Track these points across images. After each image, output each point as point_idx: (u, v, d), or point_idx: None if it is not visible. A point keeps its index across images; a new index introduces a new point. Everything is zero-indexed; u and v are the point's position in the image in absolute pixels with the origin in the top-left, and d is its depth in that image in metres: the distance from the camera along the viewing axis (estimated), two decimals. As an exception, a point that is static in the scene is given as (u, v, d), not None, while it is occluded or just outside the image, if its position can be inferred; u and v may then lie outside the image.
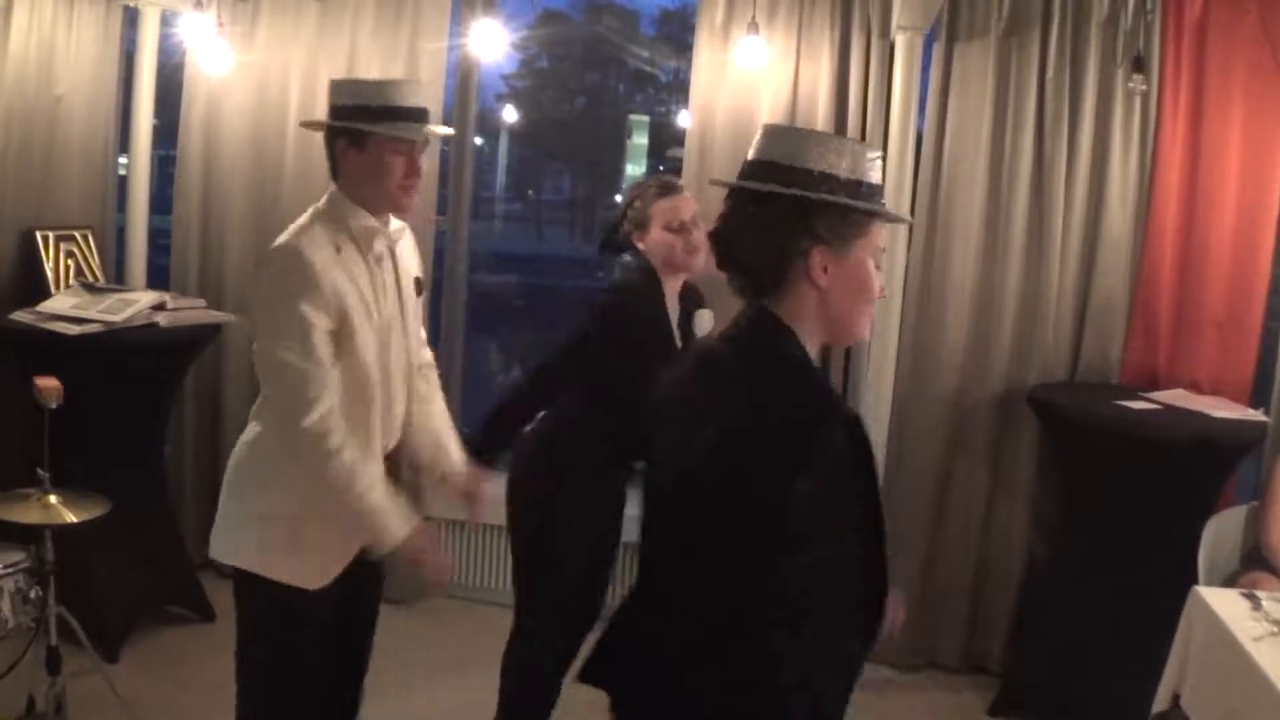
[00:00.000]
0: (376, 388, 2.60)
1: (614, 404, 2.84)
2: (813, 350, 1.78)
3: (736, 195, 1.77)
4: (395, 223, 2.71)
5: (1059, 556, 4.28)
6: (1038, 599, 4.34)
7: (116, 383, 4.05)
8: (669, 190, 3.29)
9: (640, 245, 3.25)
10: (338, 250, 2.53)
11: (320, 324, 2.45)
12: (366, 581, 2.77)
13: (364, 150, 2.56)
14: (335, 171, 2.63)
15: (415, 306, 2.79)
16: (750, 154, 1.77)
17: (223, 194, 4.78)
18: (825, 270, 1.72)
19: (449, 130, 2.69)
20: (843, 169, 1.69)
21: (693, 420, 1.77)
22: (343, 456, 2.44)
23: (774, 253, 1.73)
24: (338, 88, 2.64)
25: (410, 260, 2.79)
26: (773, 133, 1.76)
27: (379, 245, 2.62)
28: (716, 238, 1.81)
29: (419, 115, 2.60)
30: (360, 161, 2.57)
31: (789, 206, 1.69)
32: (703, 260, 3.19)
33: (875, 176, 1.74)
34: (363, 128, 2.53)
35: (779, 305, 1.75)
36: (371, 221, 2.60)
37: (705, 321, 3.32)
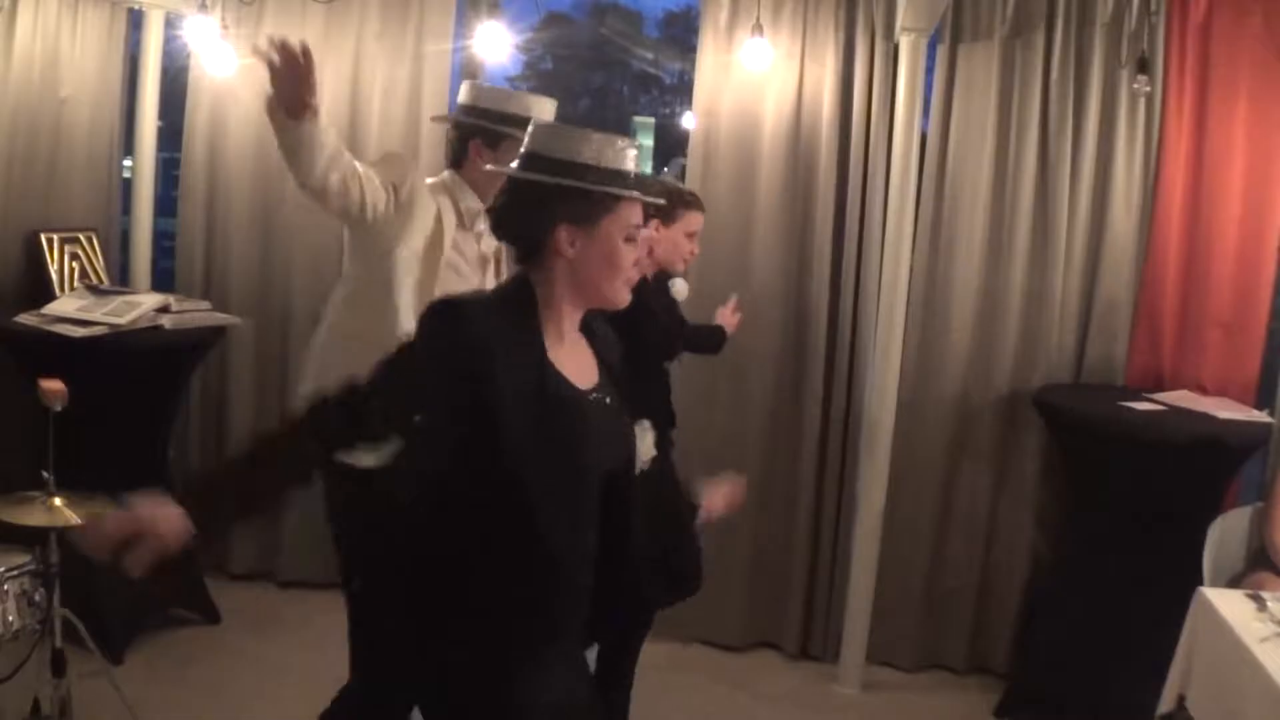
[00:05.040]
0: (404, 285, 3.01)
1: None
2: (574, 313, 2.05)
3: (508, 180, 2.04)
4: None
5: (1064, 558, 4.28)
6: (1043, 600, 4.34)
7: (121, 385, 4.05)
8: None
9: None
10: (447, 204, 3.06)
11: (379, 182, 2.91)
12: None
13: (497, 150, 3.00)
14: (457, 161, 3.12)
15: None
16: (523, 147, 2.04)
17: (227, 196, 4.78)
18: (573, 244, 1.97)
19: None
20: (586, 157, 1.95)
21: None
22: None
23: (529, 228, 1.99)
24: (477, 91, 3.10)
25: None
26: (536, 128, 2.03)
27: (480, 225, 3.10)
28: (489, 214, 2.11)
29: None
30: (491, 160, 2.99)
31: (540, 189, 1.96)
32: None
33: (621, 163, 1.98)
34: (504, 131, 2.97)
35: (537, 272, 2.01)
36: (477, 204, 3.10)
37: (680, 288, 3.68)
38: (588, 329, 2.12)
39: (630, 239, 2.00)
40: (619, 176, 1.97)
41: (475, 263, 3.16)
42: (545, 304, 2.00)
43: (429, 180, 3.13)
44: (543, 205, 1.96)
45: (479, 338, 1.90)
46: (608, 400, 2.07)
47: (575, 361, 2.04)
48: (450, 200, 3.09)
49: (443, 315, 1.95)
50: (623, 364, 2.17)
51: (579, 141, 1.96)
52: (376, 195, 2.91)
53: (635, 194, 1.99)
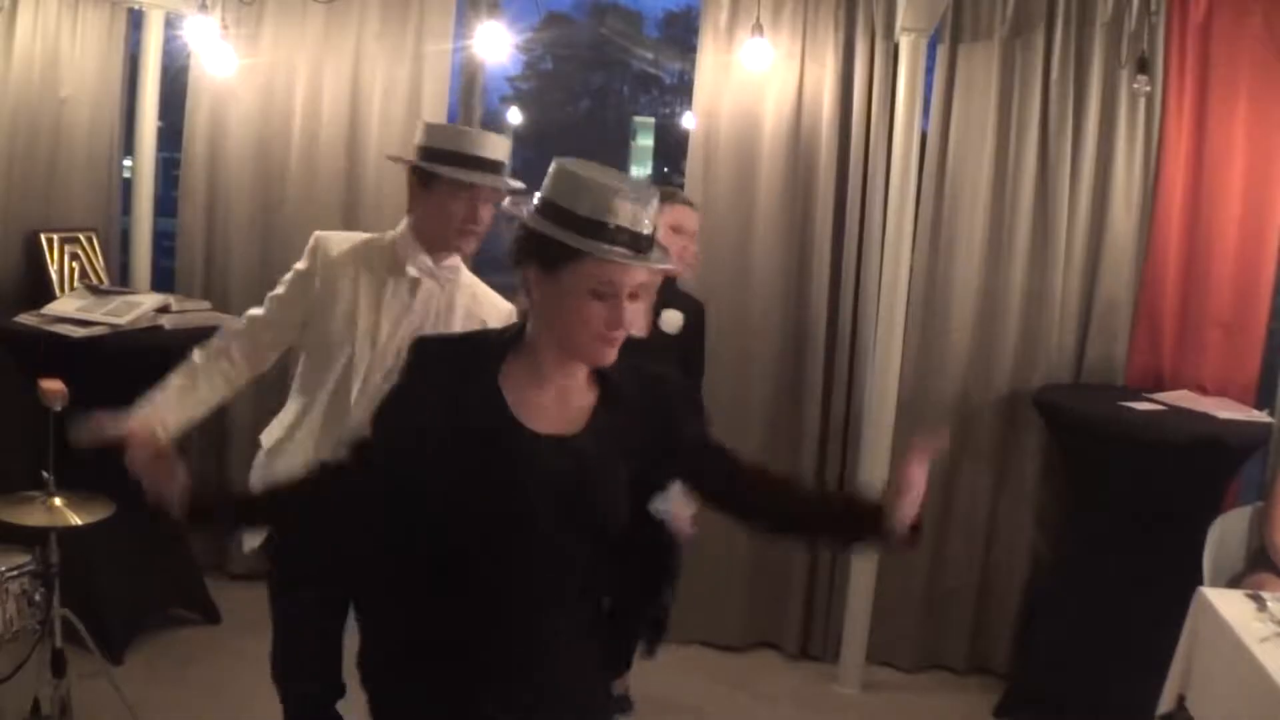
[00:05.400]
0: (335, 369, 2.88)
1: None
2: (556, 358, 1.91)
3: None
4: (466, 275, 2.90)
5: (1064, 558, 4.28)
6: (1043, 600, 4.34)
7: (121, 385, 4.04)
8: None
9: None
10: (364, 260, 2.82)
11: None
12: None
13: (428, 189, 2.75)
14: (409, 206, 2.83)
15: None
16: None
17: (227, 196, 4.78)
18: (538, 287, 1.87)
19: (519, 185, 2.80)
20: (565, 201, 1.81)
21: None
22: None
23: (513, 263, 1.91)
24: (423, 130, 2.83)
25: (478, 305, 2.89)
26: (553, 169, 1.88)
27: (413, 270, 2.79)
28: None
29: (487, 165, 2.73)
30: (424, 200, 2.77)
31: (521, 227, 1.89)
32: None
33: (606, 215, 1.79)
34: (428, 168, 2.72)
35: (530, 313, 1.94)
36: (417, 251, 2.80)
37: (672, 319, 3.44)
38: (608, 379, 1.97)
39: (600, 295, 1.81)
40: (595, 227, 1.78)
41: (421, 309, 2.85)
42: (529, 342, 1.93)
43: (373, 238, 2.92)
44: (519, 243, 1.89)
45: (438, 373, 1.93)
46: (583, 445, 1.93)
47: (554, 407, 1.94)
48: (377, 257, 2.84)
49: (415, 350, 2.01)
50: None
51: (565, 184, 1.83)
52: (281, 337, 2.98)
53: (593, 247, 1.79)
